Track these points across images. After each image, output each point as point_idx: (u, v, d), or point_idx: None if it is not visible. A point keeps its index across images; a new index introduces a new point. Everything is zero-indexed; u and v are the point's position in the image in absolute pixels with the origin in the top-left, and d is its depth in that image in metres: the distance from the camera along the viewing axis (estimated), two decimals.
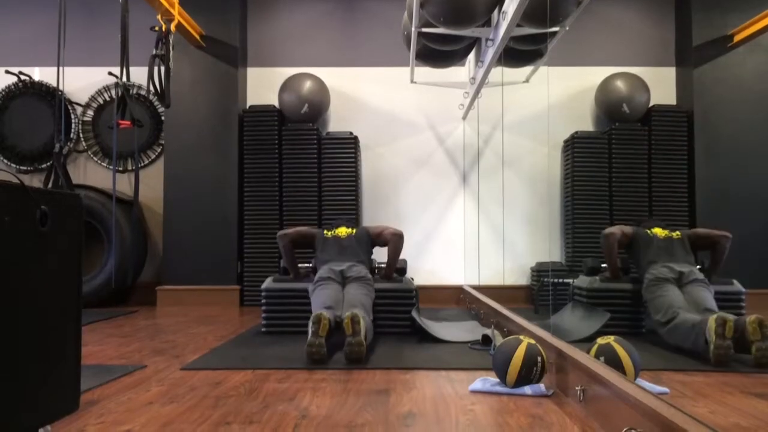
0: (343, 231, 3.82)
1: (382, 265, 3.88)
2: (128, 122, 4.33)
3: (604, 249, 3.56)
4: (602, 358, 2.05)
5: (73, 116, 5.77)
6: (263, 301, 3.67)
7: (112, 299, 5.28)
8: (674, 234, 3.47)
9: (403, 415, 1.91)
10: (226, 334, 3.63)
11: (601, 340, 2.17)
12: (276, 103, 5.61)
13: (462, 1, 3.59)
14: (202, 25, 5.43)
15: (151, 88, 4.47)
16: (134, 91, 5.71)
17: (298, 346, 3.18)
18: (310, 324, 2.80)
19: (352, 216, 5.28)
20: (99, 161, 5.80)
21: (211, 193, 5.47)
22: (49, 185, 4.69)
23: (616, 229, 3.56)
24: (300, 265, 3.83)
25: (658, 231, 3.48)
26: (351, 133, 5.51)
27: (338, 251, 3.70)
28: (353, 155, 5.42)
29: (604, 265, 3.62)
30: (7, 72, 5.69)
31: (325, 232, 3.85)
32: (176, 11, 4.65)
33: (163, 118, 5.63)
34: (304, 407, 2.00)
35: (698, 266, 3.42)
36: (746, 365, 2.60)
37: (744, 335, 2.53)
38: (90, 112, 5.82)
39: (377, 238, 3.85)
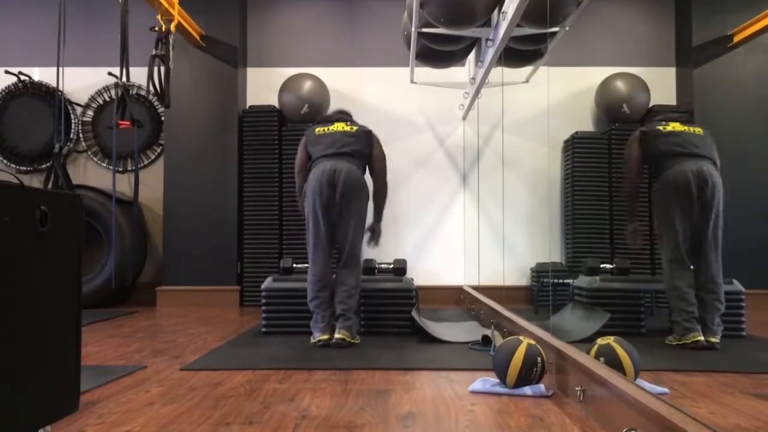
0: (340, 126, 3.49)
1: (383, 265, 3.87)
2: (128, 122, 4.33)
3: (624, 162, 3.43)
4: (602, 359, 2.05)
5: (72, 116, 5.76)
6: (263, 301, 3.67)
7: (111, 300, 5.28)
8: (694, 129, 3.27)
9: (403, 416, 1.91)
10: (226, 335, 3.63)
11: (601, 341, 2.17)
12: (276, 104, 5.61)
13: (462, 2, 3.59)
14: (201, 25, 5.43)
15: (151, 88, 4.47)
16: (134, 92, 5.71)
17: (298, 346, 3.18)
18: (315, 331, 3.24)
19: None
20: (99, 161, 5.80)
21: (211, 193, 5.46)
22: (49, 185, 4.69)
23: (633, 143, 3.36)
24: (296, 265, 3.83)
25: (673, 125, 3.27)
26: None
27: (331, 145, 3.40)
28: None
29: (603, 265, 3.62)
30: (7, 72, 5.69)
31: (317, 129, 3.51)
32: (176, 11, 4.65)
33: (162, 118, 5.63)
34: (304, 408, 2.00)
35: None
36: (747, 366, 2.60)
37: None
38: (90, 113, 5.82)
39: (371, 158, 3.51)
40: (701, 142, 3.21)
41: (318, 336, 3.22)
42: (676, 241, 3.16)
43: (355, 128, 3.49)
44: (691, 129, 3.27)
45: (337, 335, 3.18)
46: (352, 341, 3.20)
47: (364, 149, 3.46)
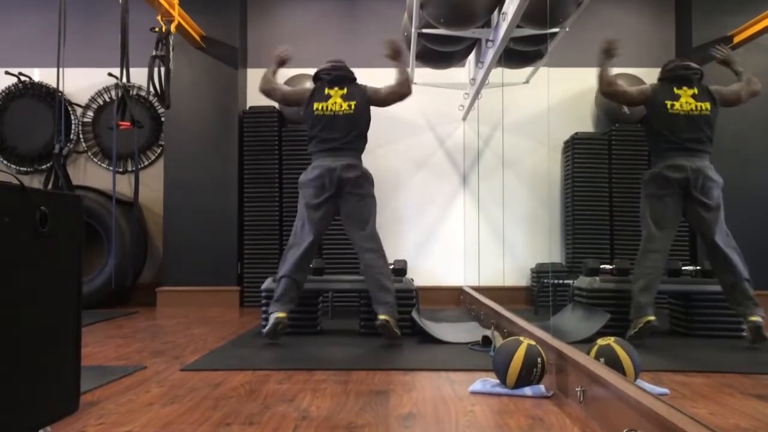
0: (338, 103, 3.44)
1: (392, 266, 3.86)
2: (128, 123, 4.33)
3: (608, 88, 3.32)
4: (602, 359, 2.05)
5: (73, 117, 5.77)
6: (263, 301, 3.67)
7: (111, 300, 5.28)
8: (702, 106, 3.14)
9: (403, 416, 1.91)
10: (226, 335, 3.63)
11: (601, 341, 2.17)
12: (276, 105, 5.61)
13: (462, 3, 3.59)
14: (202, 26, 5.43)
15: (151, 89, 4.47)
16: (134, 92, 5.71)
17: (298, 347, 3.18)
18: (271, 319, 3.25)
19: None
20: (99, 162, 5.80)
21: (211, 194, 5.47)
22: (49, 186, 4.69)
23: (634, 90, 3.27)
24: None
25: (683, 100, 3.13)
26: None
27: (330, 140, 3.40)
28: None
29: (603, 266, 3.62)
30: (7, 73, 5.69)
31: (316, 106, 3.45)
32: (176, 12, 4.66)
33: (163, 119, 5.63)
34: (304, 408, 2.00)
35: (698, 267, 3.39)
36: (747, 366, 2.60)
37: None
38: (90, 113, 5.82)
39: (379, 102, 3.51)
40: (705, 125, 3.11)
41: (276, 313, 3.20)
42: (653, 234, 3.11)
43: (353, 103, 3.44)
44: (700, 105, 3.13)
45: (381, 317, 3.17)
46: (395, 330, 3.18)
47: (365, 125, 3.48)
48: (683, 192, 3.10)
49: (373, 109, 3.56)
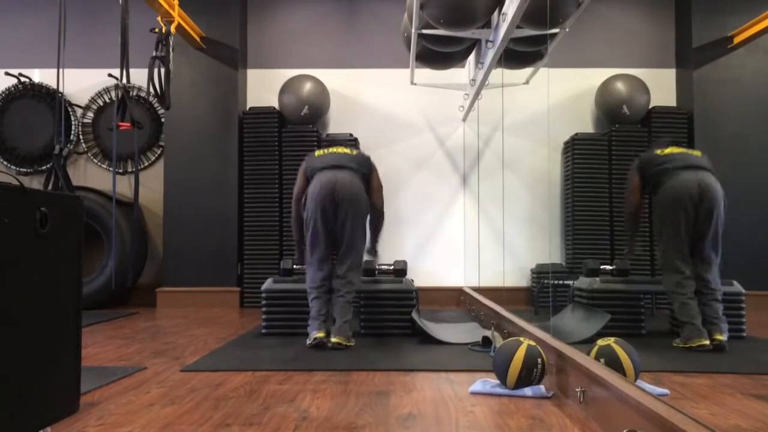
0: (340, 150, 3.54)
1: (383, 267, 3.87)
2: (128, 124, 4.33)
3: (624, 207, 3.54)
4: (602, 360, 2.05)
5: (73, 118, 5.77)
6: (263, 302, 3.67)
7: (112, 301, 5.28)
8: (694, 152, 3.36)
9: (403, 417, 1.91)
10: (226, 336, 3.63)
11: (601, 342, 2.17)
12: (276, 105, 5.61)
13: (462, 3, 3.59)
14: (202, 26, 5.43)
15: (151, 89, 4.47)
16: (134, 93, 5.71)
17: (298, 347, 3.18)
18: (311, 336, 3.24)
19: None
20: (99, 163, 5.80)
21: (211, 194, 5.47)
22: (49, 187, 4.69)
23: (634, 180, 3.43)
24: (296, 266, 3.82)
25: (674, 149, 3.34)
26: (351, 135, 5.52)
27: (332, 161, 3.44)
28: None
29: (603, 267, 3.62)
30: (7, 74, 5.69)
31: (317, 152, 3.56)
32: (176, 13, 4.66)
33: (163, 120, 5.63)
34: (304, 409, 2.00)
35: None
36: (747, 366, 2.60)
37: None
38: (90, 114, 5.83)
39: (369, 186, 3.53)
40: (700, 159, 3.28)
41: (314, 334, 3.22)
42: (675, 250, 3.18)
43: (355, 151, 3.58)
44: (689, 151, 3.36)
45: (333, 339, 3.19)
46: (348, 344, 3.20)
47: (364, 168, 3.52)
48: (688, 203, 3.20)
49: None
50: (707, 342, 3.00)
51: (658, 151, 3.36)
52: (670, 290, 3.22)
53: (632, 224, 3.50)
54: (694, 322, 3.06)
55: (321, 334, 3.20)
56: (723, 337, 3.02)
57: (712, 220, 3.13)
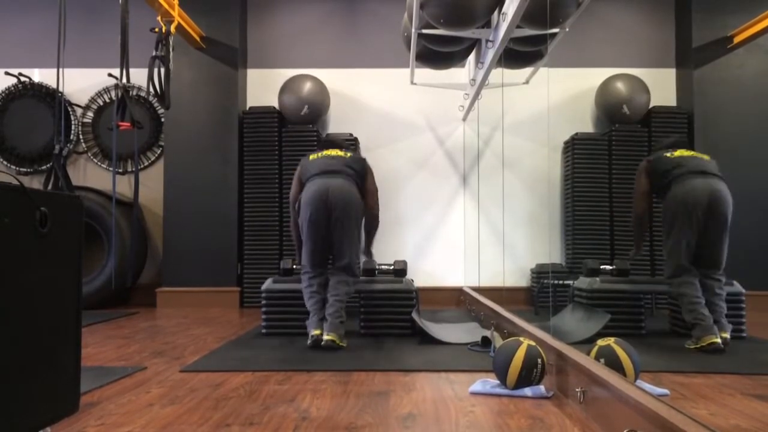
0: (334, 152, 3.55)
1: (383, 267, 3.87)
2: (128, 124, 4.32)
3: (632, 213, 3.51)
4: (602, 360, 2.05)
5: (72, 118, 5.77)
6: (263, 302, 3.67)
7: (112, 301, 5.28)
8: (703, 156, 3.33)
9: (403, 417, 1.91)
10: (226, 336, 3.63)
11: (601, 342, 2.17)
12: (276, 105, 5.61)
13: (462, 3, 3.59)
14: (202, 26, 5.43)
15: (151, 89, 4.47)
16: (134, 93, 5.71)
17: (298, 347, 3.18)
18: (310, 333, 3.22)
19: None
20: (99, 163, 5.80)
21: (211, 194, 5.47)
22: (49, 187, 4.69)
23: (642, 179, 3.42)
24: (296, 266, 3.82)
25: (683, 152, 3.33)
26: (351, 135, 5.52)
27: (325, 167, 3.45)
28: None
29: (603, 266, 3.62)
30: (7, 73, 5.69)
31: (311, 156, 3.58)
32: (176, 13, 4.66)
33: (162, 119, 5.63)
34: (304, 409, 2.00)
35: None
36: (747, 366, 2.59)
37: None
38: (90, 114, 5.82)
39: (364, 189, 3.54)
40: (709, 164, 3.26)
41: (312, 331, 3.23)
42: (684, 254, 3.18)
43: (349, 154, 3.57)
44: (699, 155, 3.32)
45: (326, 336, 3.18)
46: (340, 344, 3.20)
47: (358, 171, 3.52)
48: (698, 208, 3.20)
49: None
50: (718, 340, 2.98)
51: (668, 154, 3.33)
52: (679, 293, 3.20)
53: (640, 227, 3.49)
54: (704, 322, 3.05)
55: (317, 332, 3.21)
56: (727, 335, 3.04)
57: (722, 227, 3.13)
